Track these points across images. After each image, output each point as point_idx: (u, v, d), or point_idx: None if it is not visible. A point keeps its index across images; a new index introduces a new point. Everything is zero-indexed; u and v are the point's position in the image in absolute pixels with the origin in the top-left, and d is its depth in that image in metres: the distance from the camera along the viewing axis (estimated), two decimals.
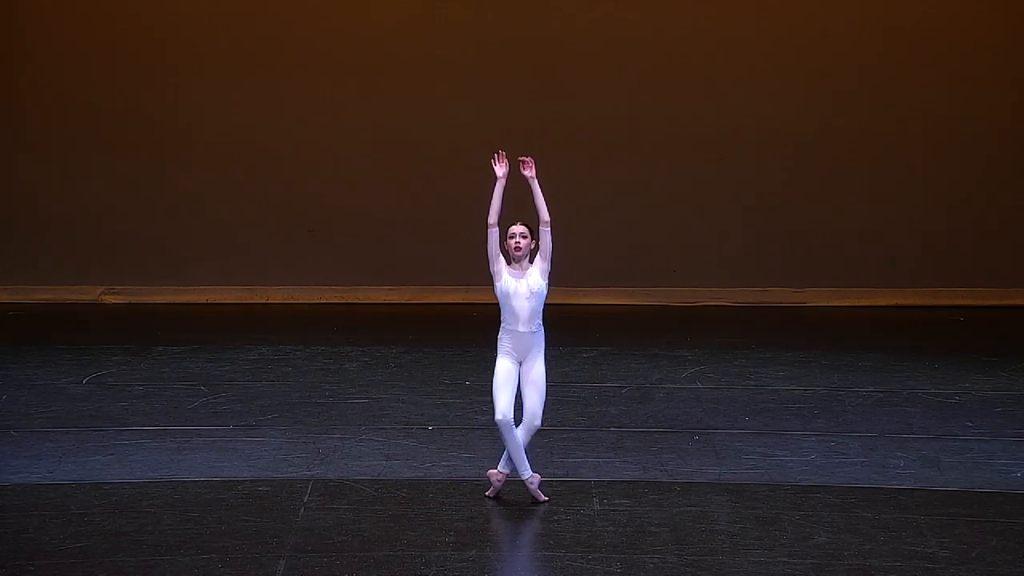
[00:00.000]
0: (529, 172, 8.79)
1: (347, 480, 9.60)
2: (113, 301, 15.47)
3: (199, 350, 13.10)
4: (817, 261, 16.16)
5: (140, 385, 11.74)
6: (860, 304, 16.04)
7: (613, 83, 15.98)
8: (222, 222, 15.77)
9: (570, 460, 10.11)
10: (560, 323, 15.15)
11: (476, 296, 15.56)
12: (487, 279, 15.96)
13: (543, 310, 8.86)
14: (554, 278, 16.39)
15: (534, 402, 8.85)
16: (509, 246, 8.86)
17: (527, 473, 9.03)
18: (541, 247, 8.77)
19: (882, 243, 16.18)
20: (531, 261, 8.93)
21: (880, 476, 9.80)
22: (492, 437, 10.59)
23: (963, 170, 16.14)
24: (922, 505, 9.20)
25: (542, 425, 8.98)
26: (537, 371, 8.81)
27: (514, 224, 8.85)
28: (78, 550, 8.28)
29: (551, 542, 8.48)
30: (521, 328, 8.79)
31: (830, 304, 16.00)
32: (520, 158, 8.78)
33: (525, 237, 8.81)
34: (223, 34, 15.82)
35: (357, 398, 11.68)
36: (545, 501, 9.01)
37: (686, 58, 16.00)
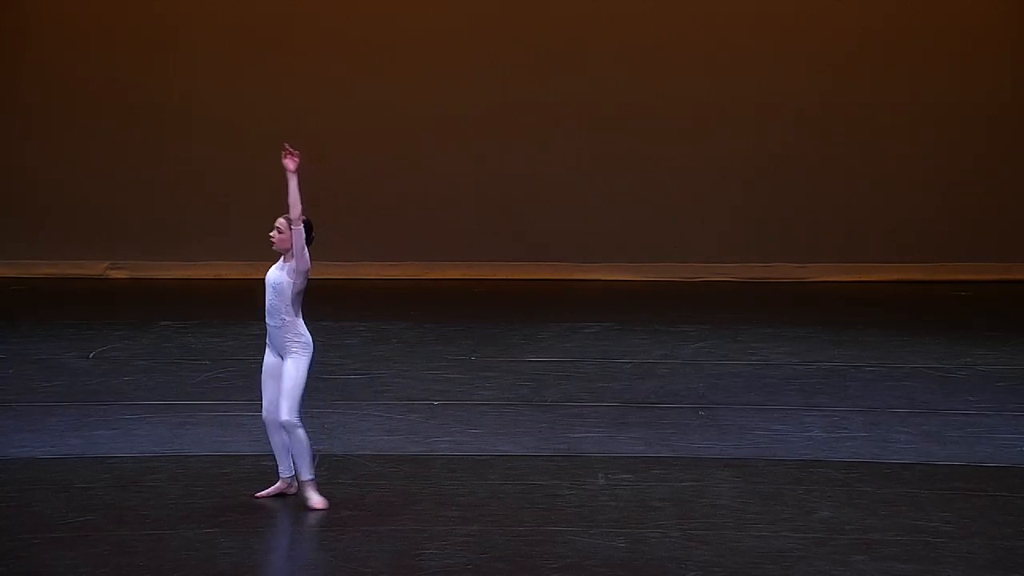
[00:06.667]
0: (289, 163, 8.41)
1: (351, 455, 9.62)
2: (118, 276, 15.47)
3: (203, 325, 13.10)
4: (820, 236, 16.17)
5: (144, 360, 11.75)
6: (862, 279, 16.04)
7: (613, 57, 15.97)
8: (225, 197, 15.77)
9: (573, 436, 10.13)
10: (563, 299, 15.22)
11: (478, 272, 15.58)
12: (488, 255, 16.12)
13: (295, 306, 8.45)
14: (557, 254, 16.41)
15: (273, 394, 8.48)
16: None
17: (285, 472, 8.63)
18: (294, 244, 8.46)
19: (884, 218, 16.18)
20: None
21: (882, 451, 9.82)
22: (496, 413, 10.61)
23: (965, 144, 16.13)
24: (924, 479, 9.22)
25: (287, 420, 8.40)
26: (286, 366, 8.43)
27: (280, 217, 8.53)
28: (82, 524, 8.31)
29: (553, 517, 8.50)
30: (267, 320, 8.59)
31: (832, 279, 16.00)
32: (286, 147, 8.47)
33: (281, 232, 8.52)
34: (227, 10, 15.79)
35: (360, 373, 11.70)
36: (320, 510, 8.47)
37: (688, 32, 15.97)
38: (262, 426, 8.71)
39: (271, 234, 8.56)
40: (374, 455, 9.63)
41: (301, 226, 8.48)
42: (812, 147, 16.14)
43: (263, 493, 8.66)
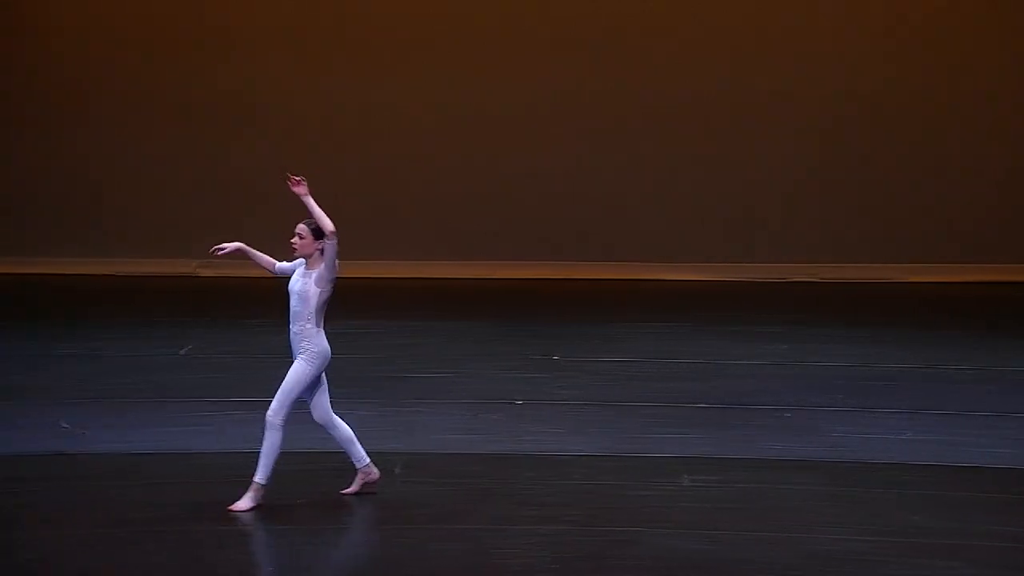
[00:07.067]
0: (299, 190, 8.45)
1: (430, 453, 9.67)
2: (207, 274, 15.66)
3: (287, 324, 13.20)
4: (917, 235, 16.00)
5: (232, 357, 11.87)
6: (947, 280, 15.86)
7: (688, 60, 15.89)
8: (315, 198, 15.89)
9: (652, 436, 10.12)
10: (639, 299, 15.18)
11: (553, 271, 15.60)
12: (563, 254, 16.13)
13: (318, 314, 8.41)
14: (632, 254, 16.35)
15: (310, 399, 8.56)
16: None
17: (360, 463, 8.65)
18: (325, 256, 8.45)
19: (968, 218, 15.99)
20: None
21: (972, 455, 9.69)
22: (575, 412, 10.61)
23: None
24: (1015, 484, 9.09)
25: (270, 418, 8.39)
26: (292, 367, 8.46)
27: (300, 223, 8.53)
28: (161, 517, 8.42)
29: (633, 518, 8.49)
30: (290, 326, 8.56)
31: (917, 280, 15.83)
32: (289, 175, 8.46)
33: (303, 238, 8.50)
34: (292, 10, 15.91)
35: (438, 372, 11.74)
36: (238, 511, 8.39)
37: (766, 32, 15.87)
38: (346, 424, 8.78)
39: (292, 240, 8.52)
40: (453, 454, 9.67)
41: (335, 240, 8.47)
42: (892, 147, 16.00)
43: (349, 490, 8.73)
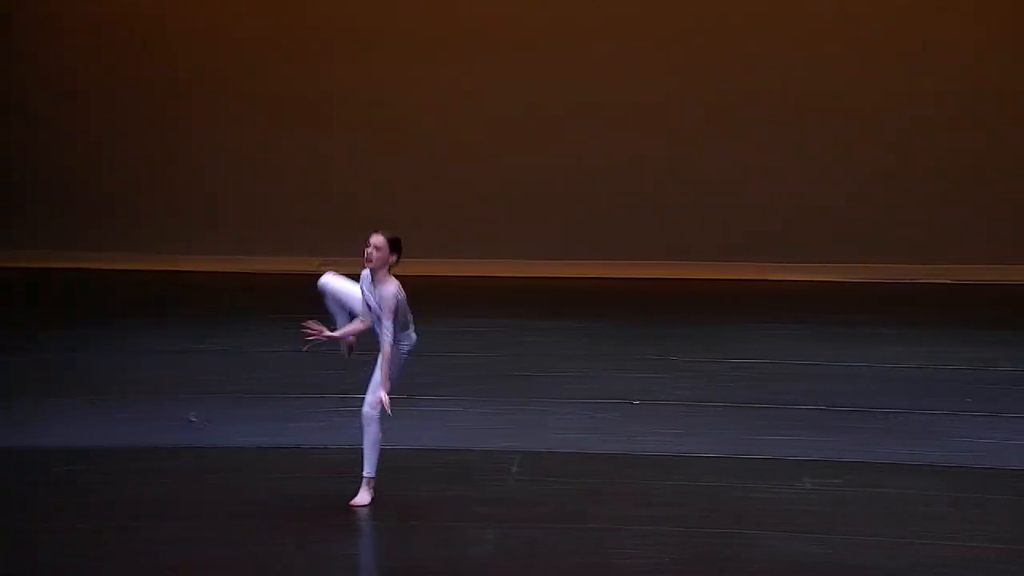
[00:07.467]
0: (324, 335, 8.48)
1: (550, 452, 9.68)
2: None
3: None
4: None
5: (356, 354, 11.96)
6: None
7: (813, 55, 15.75)
8: (432, 199, 15.98)
9: (771, 437, 10.04)
10: (757, 299, 15.05)
11: (677, 271, 15.54)
12: (678, 253, 16.02)
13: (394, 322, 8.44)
14: (750, 253, 16.17)
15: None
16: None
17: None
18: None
19: None
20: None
21: None
22: (693, 413, 10.57)
23: None
24: None
25: (369, 413, 8.47)
26: (376, 363, 8.52)
27: (374, 233, 8.40)
28: (291, 513, 8.53)
29: (752, 520, 8.43)
30: (373, 326, 8.53)
31: None
32: (307, 327, 8.43)
33: (378, 249, 8.37)
34: (394, 10, 16.02)
35: (554, 372, 11.75)
36: (364, 505, 8.50)
37: (890, 26, 15.69)
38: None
39: (367, 250, 8.39)
40: (570, 453, 9.67)
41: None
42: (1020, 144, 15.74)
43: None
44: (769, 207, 15.92)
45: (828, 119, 15.82)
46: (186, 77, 16.17)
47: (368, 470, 8.61)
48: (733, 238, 15.85)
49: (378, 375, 8.52)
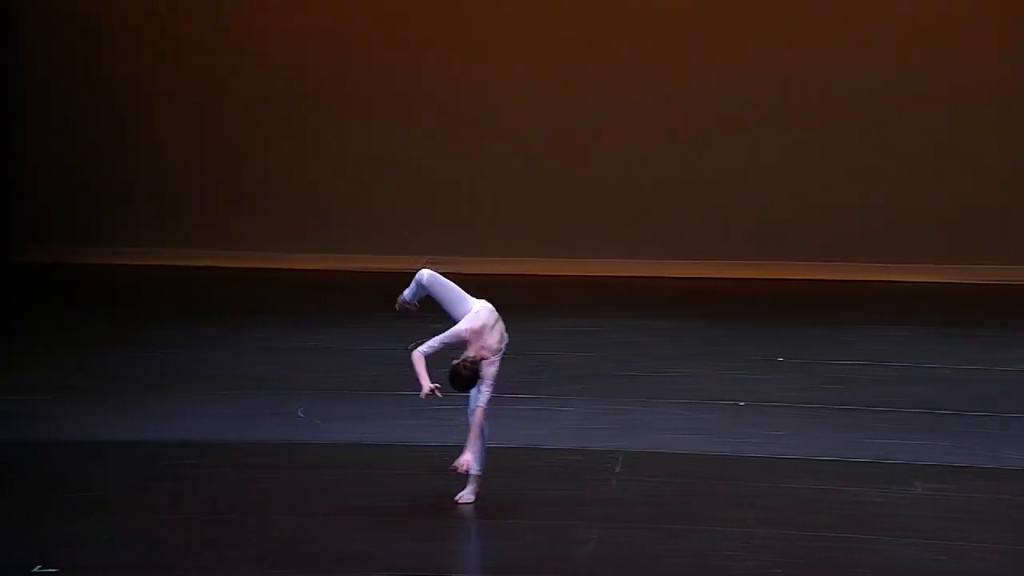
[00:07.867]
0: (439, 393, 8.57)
1: (654, 452, 9.62)
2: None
3: (509, 321, 13.28)
4: None
5: (457, 352, 11.97)
6: None
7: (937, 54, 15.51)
8: (531, 200, 15.94)
9: (881, 440, 9.90)
10: (867, 300, 14.84)
11: (771, 271, 15.40)
12: (783, 254, 15.83)
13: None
14: (859, 253, 15.92)
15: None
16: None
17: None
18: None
19: None
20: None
21: None
22: (801, 415, 10.45)
23: None
24: None
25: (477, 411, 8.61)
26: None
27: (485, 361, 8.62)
28: (391, 508, 8.55)
29: (862, 524, 8.32)
30: None
31: None
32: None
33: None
34: (469, 10, 15.99)
35: (660, 372, 11.68)
36: (470, 502, 8.58)
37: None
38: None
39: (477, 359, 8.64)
40: (675, 454, 9.61)
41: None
42: None
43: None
44: (884, 206, 15.68)
45: (930, 122, 15.55)
46: (288, 76, 16.28)
47: (475, 468, 8.64)
48: (830, 239, 15.64)
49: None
